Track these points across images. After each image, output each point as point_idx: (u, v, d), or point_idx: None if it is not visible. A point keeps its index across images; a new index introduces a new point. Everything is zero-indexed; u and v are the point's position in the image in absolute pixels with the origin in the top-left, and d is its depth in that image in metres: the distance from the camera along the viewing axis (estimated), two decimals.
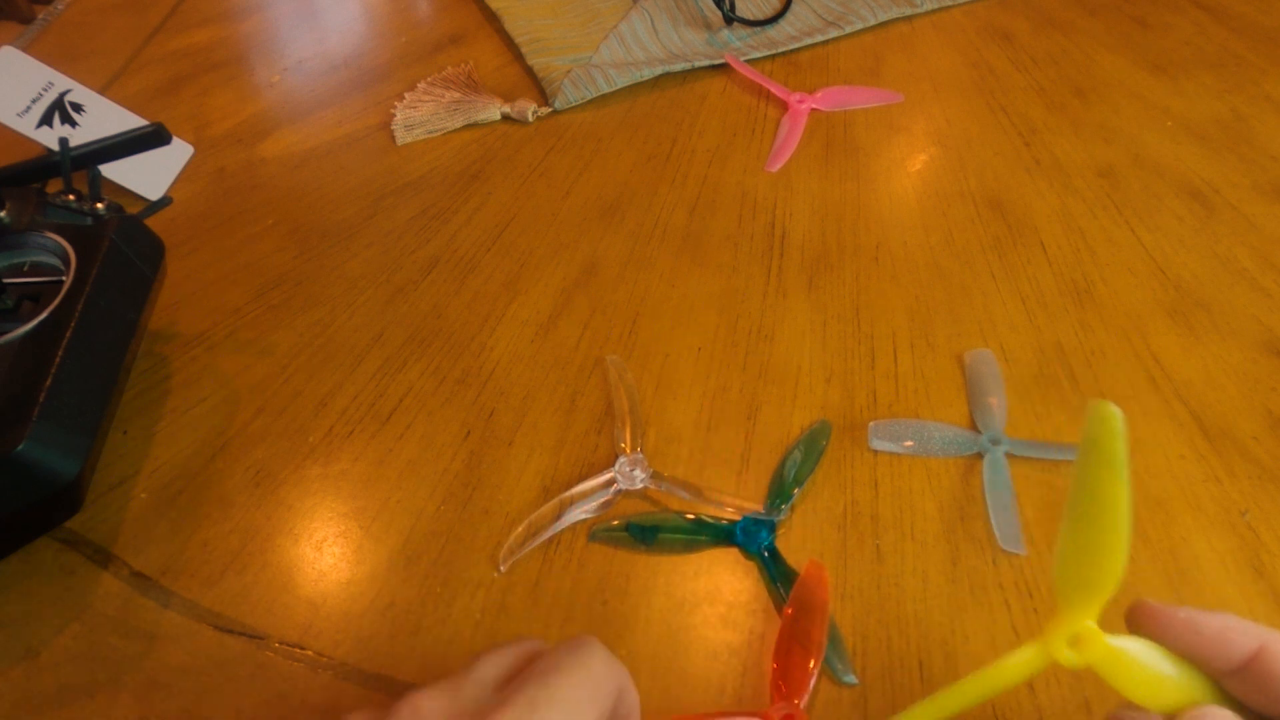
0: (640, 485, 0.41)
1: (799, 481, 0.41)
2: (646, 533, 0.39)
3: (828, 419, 0.44)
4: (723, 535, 0.39)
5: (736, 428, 0.44)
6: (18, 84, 0.54)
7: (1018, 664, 0.26)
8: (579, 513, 0.40)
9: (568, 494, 0.40)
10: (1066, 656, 0.25)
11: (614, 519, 0.40)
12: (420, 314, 0.49)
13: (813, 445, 0.42)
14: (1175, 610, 0.25)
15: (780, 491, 0.40)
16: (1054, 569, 0.25)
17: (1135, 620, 0.26)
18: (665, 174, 0.58)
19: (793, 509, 0.40)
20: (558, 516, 0.40)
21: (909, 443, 0.42)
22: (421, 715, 0.22)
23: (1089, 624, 0.25)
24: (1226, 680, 0.25)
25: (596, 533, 0.40)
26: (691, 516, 0.40)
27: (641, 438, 0.43)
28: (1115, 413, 0.24)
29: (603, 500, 0.40)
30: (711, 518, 0.40)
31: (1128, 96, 0.65)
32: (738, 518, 0.40)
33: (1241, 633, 0.24)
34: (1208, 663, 0.25)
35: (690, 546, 0.39)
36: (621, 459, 0.41)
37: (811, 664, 0.34)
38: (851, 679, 0.35)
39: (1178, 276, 0.52)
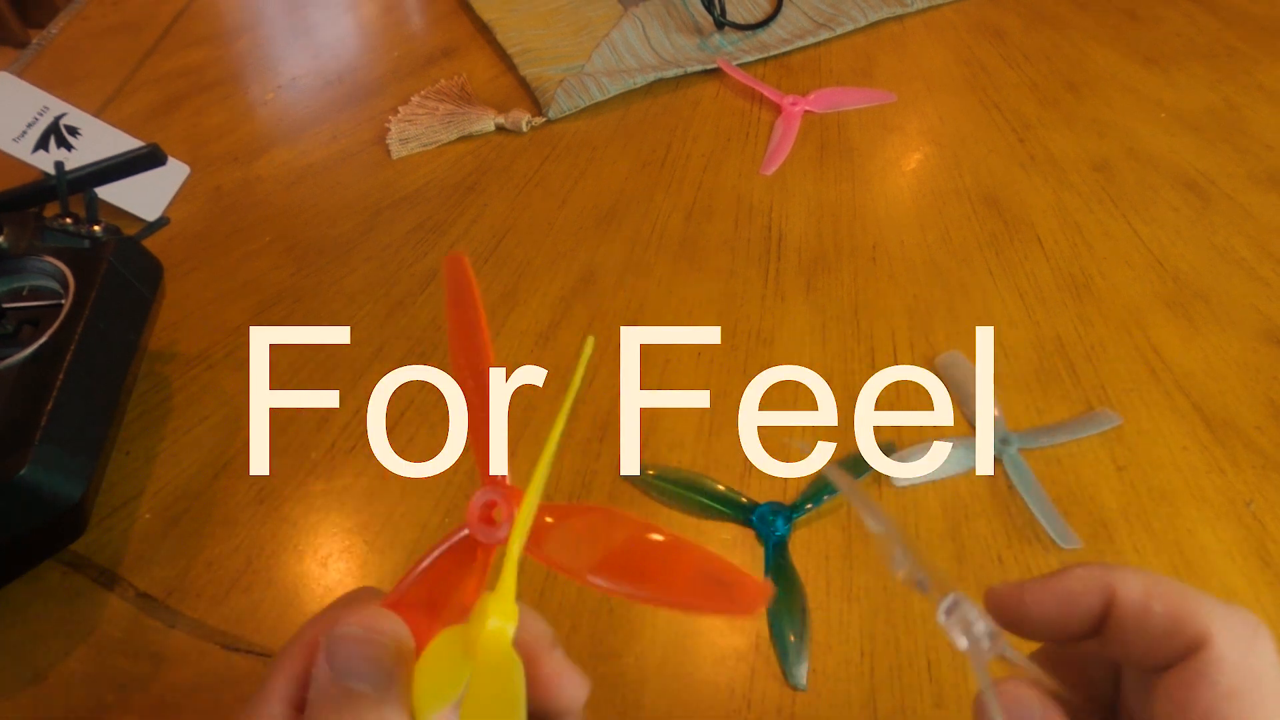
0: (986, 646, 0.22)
1: (832, 490, 0.41)
2: (674, 485, 0.40)
3: (894, 441, 0.43)
4: (741, 512, 0.40)
5: (738, 431, 0.44)
6: (13, 109, 0.54)
7: (446, 647, 0.20)
8: None
9: None
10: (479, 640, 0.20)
11: (649, 467, 0.41)
12: (420, 327, 0.49)
13: (861, 463, 0.42)
14: (1020, 588, 0.22)
15: (815, 493, 0.40)
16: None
17: (994, 607, 0.22)
18: (661, 180, 0.59)
19: (819, 514, 0.40)
20: None
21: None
22: None
23: (497, 598, 0.19)
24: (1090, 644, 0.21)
25: (628, 476, 0.41)
26: (722, 487, 0.40)
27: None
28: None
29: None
30: (735, 492, 0.40)
31: (1120, 90, 0.66)
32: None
33: (1085, 585, 0.21)
34: (1069, 632, 0.21)
35: (705, 512, 0.40)
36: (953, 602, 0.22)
37: (485, 414, 0.23)
38: (799, 680, 0.35)
39: (1175, 268, 0.52)
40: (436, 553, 0.22)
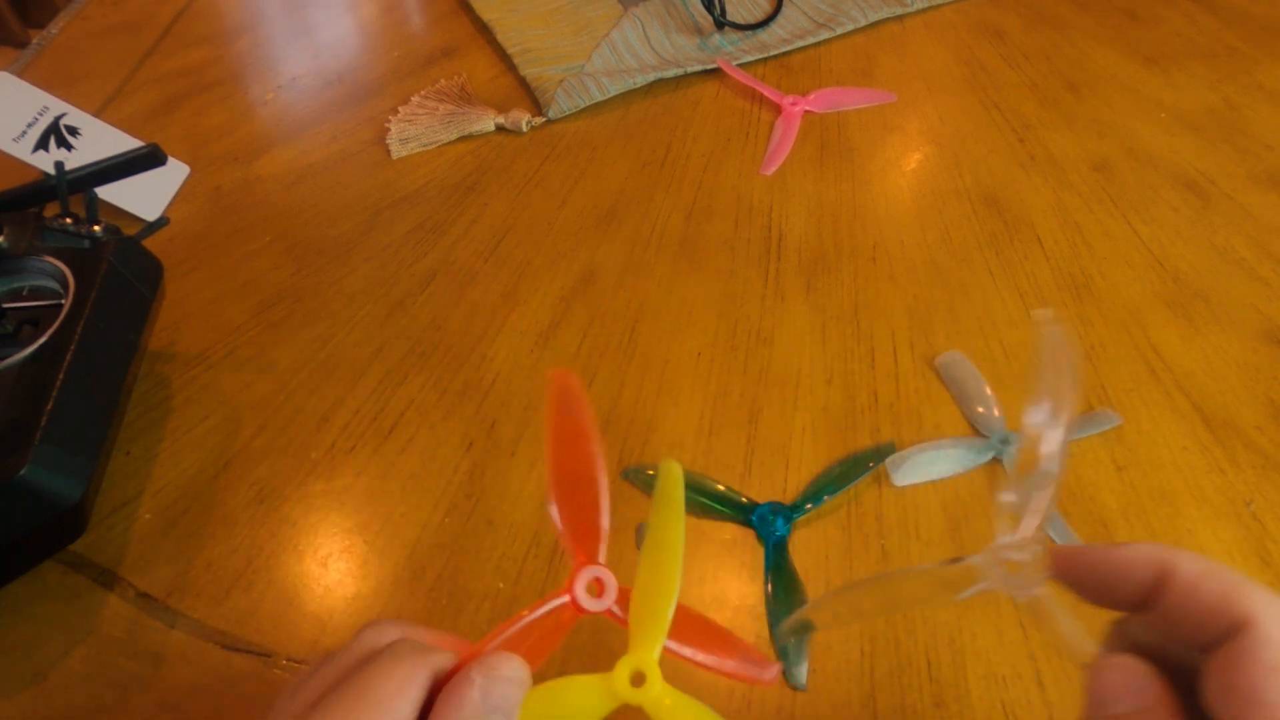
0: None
1: (833, 490, 0.41)
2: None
3: (894, 441, 0.43)
4: (741, 512, 0.40)
5: (738, 431, 0.44)
6: (13, 109, 0.54)
7: (581, 691, 0.26)
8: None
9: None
10: (626, 692, 0.25)
11: (649, 467, 0.42)
12: (420, 327, 0.49)
13: (860, 463, 0.42)
14: (1083, 551, 0.24)
15: (816, 493, 0.41)
16: (630, 607, 0.27)
17: (1059, 566, 0.24)
18: (661, 180, 0.59)
19: (819, 514, 0.40)
20: None
21: (934, 470, 0.42)
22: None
23: (649, 661, 0.26)
24: (1136, 621, 0.24)
25: (628, 472, 0.41)
26: (722, 487, 0.41)
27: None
28: (676, 467, 0.29)
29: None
30: (735, 493, 0.40)
31: (1120, 89, 0.66)
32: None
33: (1144, 559, 0.23)
34: (1119, 601, 0.23)
35: (706, 511, 0.40)
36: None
37: (598, 507, 0.28)
38: (799, 680, 0.35)
39: (1175, 268, 0.52)
40: (535, 614, 0.27)
